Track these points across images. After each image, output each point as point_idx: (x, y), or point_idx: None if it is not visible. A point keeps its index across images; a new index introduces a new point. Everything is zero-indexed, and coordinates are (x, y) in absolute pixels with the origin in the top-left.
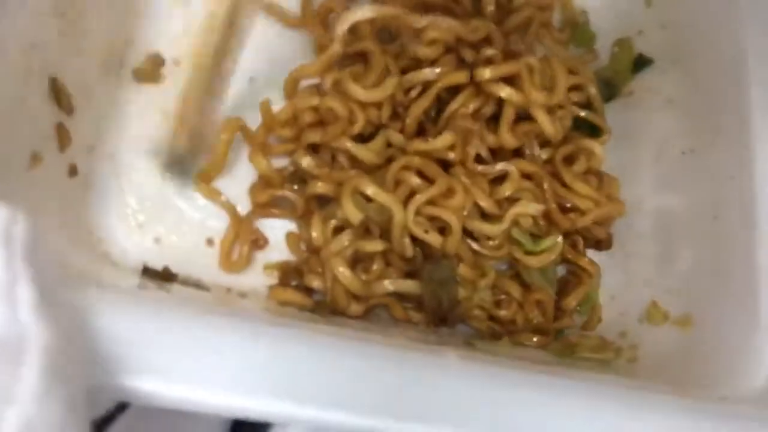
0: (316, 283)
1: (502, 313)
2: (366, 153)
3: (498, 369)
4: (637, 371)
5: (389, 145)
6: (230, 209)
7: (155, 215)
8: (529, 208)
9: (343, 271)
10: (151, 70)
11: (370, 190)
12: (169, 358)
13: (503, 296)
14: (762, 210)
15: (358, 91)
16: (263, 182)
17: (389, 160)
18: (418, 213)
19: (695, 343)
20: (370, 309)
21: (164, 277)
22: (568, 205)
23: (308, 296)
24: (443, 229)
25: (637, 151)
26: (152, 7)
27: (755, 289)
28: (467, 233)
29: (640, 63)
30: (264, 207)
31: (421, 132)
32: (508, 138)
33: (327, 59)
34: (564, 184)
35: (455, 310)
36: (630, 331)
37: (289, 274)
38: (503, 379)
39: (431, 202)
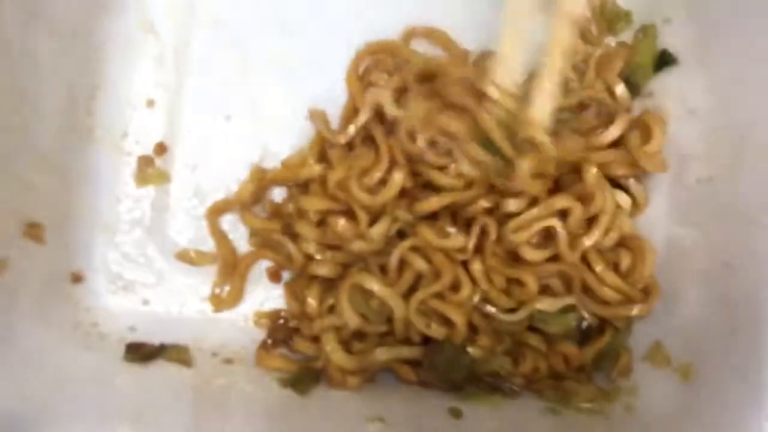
0: (307, 349)
1: (523, 368)
2: (368, 245)
3: None
4: (633, 426)
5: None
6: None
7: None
8: (552, 306)
9: (333, 350)
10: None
11: (373, 286)
12: None
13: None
14: None
15: (363, 197)
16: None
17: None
18: (422, 302)
19: (694, 398)
20: (370, 378)
21: (147, 354)
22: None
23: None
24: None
25: None
26: None
27: (762, 351)
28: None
29: (664, 61)
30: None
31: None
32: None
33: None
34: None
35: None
36: (633, 369)
37: (279, 329)
38: None
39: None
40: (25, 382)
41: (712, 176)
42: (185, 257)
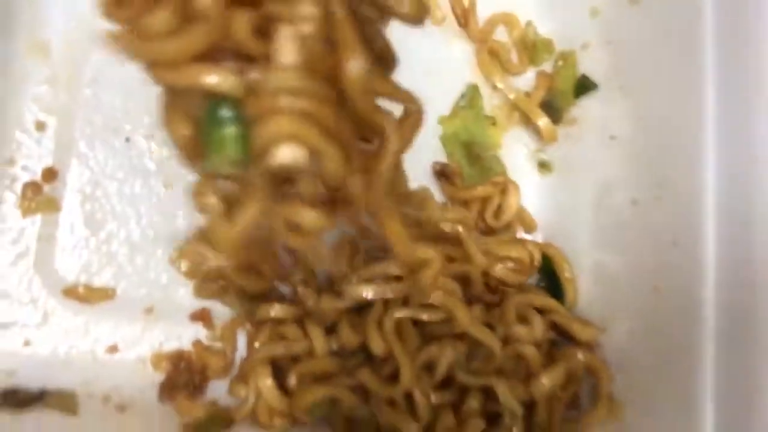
0: (241, 391)
1: None
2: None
3: None
4: None
5: None
6: None
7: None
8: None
9: (264, 386)
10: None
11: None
12: None
13: None
14: (706, 287)
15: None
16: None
17: None
18: None
19: None
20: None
21: (24, 401)
22: None
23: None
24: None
25: (578, 194)
26: None
27: (693, 385)
28: None
29: (584, 86)
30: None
31: None
32: None
33: None
34: None
35: None
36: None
37: (182, 372)
38: None
39: None
40: None
41: (635, 199)
42: (74, 294)
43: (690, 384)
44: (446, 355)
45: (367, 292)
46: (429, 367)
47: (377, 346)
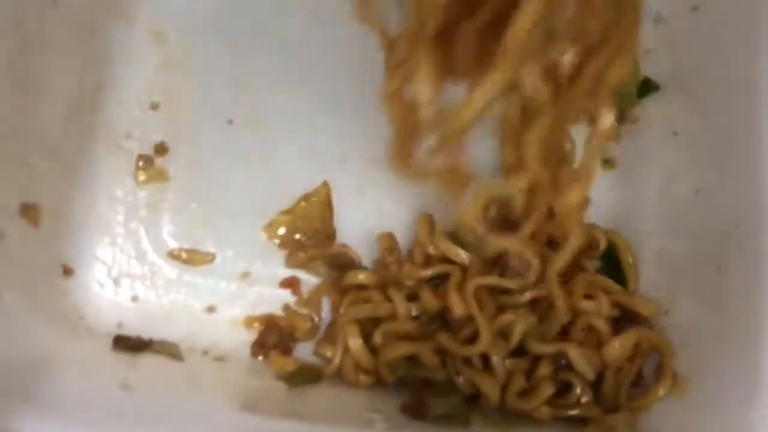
0: (326, 351)
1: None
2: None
3: None
4: None
5: None
6: None
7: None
8: None
9: (354, 344)
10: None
11: None
12: None
13: None
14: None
15: None
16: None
17: None
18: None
19: (688, 414)
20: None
21: (136, 346)
22: None
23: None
24: None
25: (642, 186)
26: None
27: (757, 362)
28: None
29: (646, 88)
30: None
31: None
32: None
33: None
34: None
35: None
36: None
37: (272, 333)
38: None
39: None
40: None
41: (699, 188)
42: (177, 257)
43: (753, 362)
44: (521, 323)
45: (506, 242)
46: (503, 335)
47: (458, 308)
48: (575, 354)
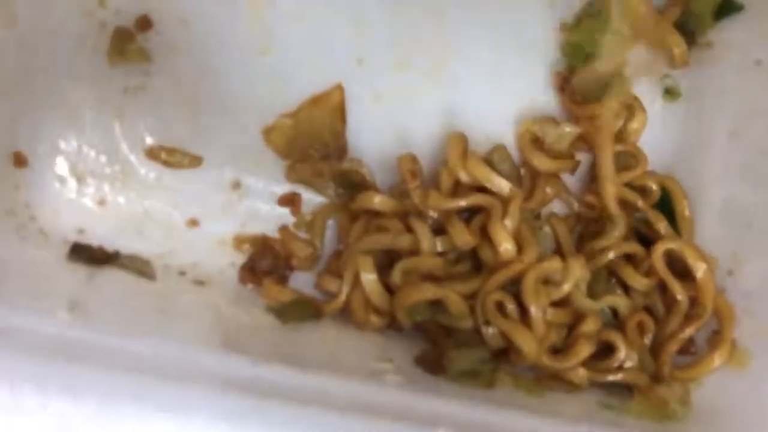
0: (330, 285)
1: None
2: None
3: None
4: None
5: None
6: None
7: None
8: None
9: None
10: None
11: None
12: None
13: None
14: None
15: None
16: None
17: None
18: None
19: (749, 390)
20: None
21: (98, 258)
22: None
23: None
24: None
25: (710, 123)
26: None
27: None
28: None
29: (727, 7)
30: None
31: None
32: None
33: None
34: None
35: None
36: None
37: (264, 256)
38: None
39: None
40: None
41: None
42: (156, 155)
43: None
44: (573, 274)
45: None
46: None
47: (505, 244)
48: (622, 303)
